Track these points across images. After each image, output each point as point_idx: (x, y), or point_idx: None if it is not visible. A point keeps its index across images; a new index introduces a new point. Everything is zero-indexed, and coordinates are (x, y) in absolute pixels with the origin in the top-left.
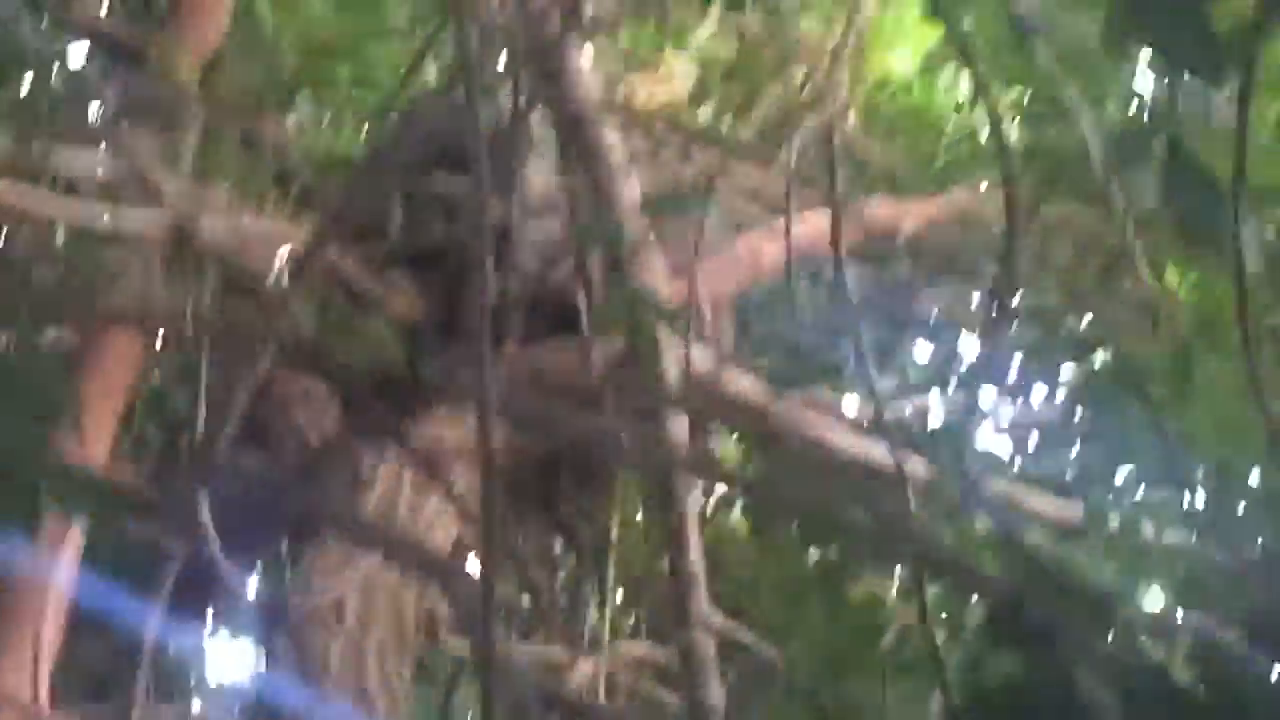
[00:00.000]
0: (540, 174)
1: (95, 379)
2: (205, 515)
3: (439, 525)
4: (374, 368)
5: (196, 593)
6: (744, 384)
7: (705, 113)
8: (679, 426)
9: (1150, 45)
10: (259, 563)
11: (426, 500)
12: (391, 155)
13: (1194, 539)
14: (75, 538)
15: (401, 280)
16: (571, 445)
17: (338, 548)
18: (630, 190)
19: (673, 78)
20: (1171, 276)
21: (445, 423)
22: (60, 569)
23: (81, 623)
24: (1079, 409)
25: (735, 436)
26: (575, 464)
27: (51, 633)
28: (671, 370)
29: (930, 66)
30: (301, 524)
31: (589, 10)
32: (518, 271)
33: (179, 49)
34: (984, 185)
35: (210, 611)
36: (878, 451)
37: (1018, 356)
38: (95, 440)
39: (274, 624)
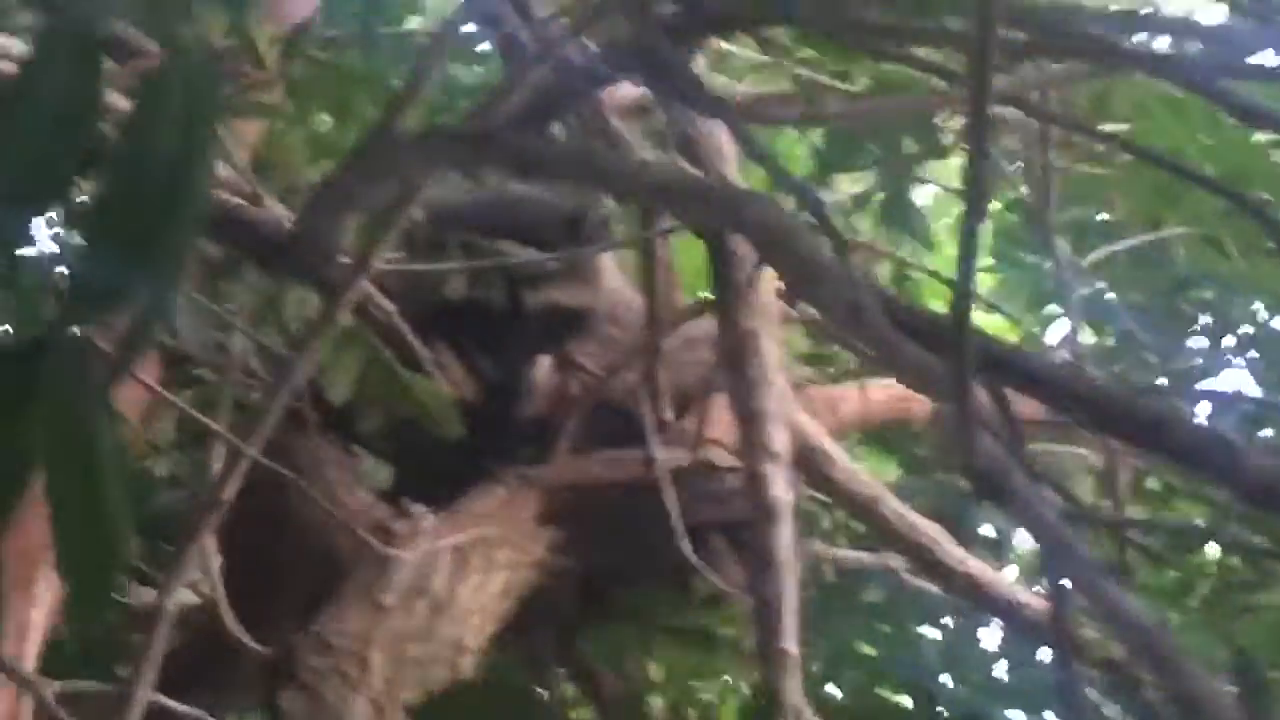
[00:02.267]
0: (614, 271)
1: None
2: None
3: (475, 611)
4: (426, 435)
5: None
6: (856, 472)
7: None
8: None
9: None
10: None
11: (463, 583)
12: (456, 211)
13: None
14: None
15: (450, 358)
16: (626, 564)
17: (362, 604)
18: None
19: None
20: None
21: (494, 507)
22: None
23: None
24: None
25: None
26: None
27: (47, 596)
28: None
29: None
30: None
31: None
32: (580, 371)
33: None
34: None
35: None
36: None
37: None
38: None
39: (283, 680)
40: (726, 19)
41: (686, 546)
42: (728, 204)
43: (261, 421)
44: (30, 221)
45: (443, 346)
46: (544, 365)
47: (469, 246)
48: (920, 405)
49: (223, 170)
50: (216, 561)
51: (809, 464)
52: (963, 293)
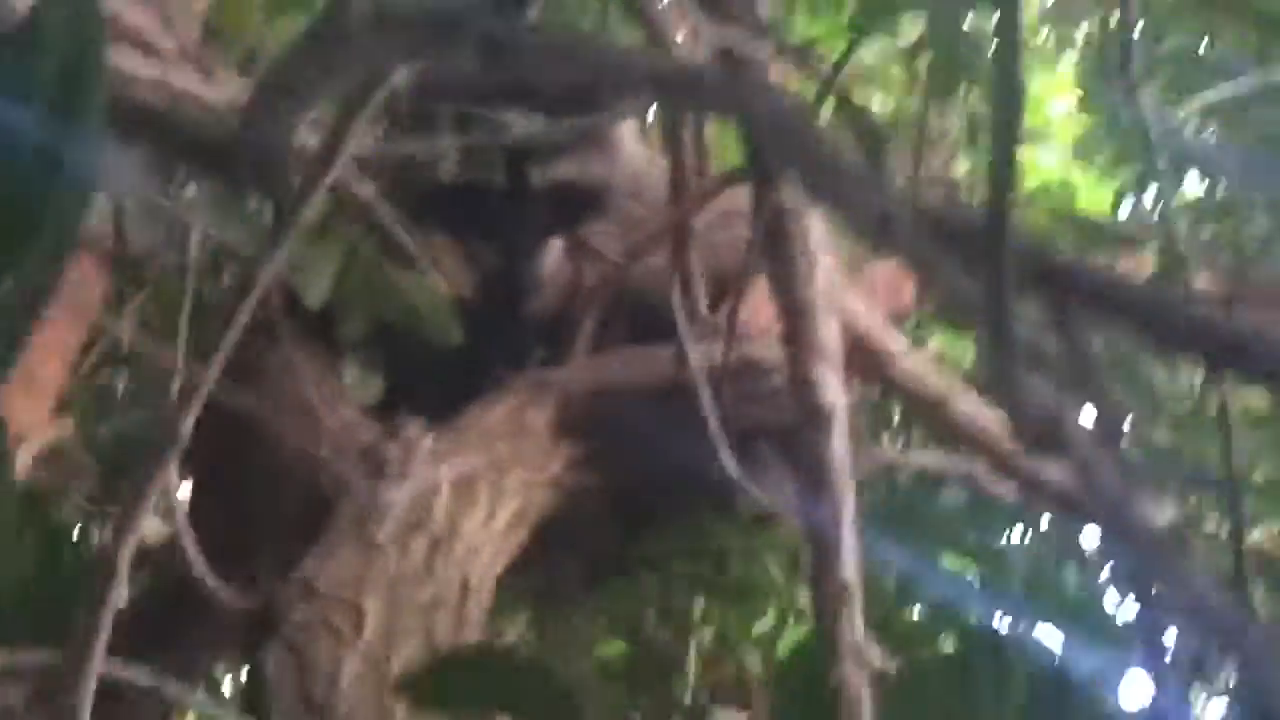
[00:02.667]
0: (631, 136)
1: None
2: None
3: (483, 546)
4: (419, 340)
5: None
6: (920, 367)
7: None
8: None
9: None
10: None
11: (467, 514)
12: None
13: None
14: None
15: (445, 249)
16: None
17: (352, 543)
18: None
19: None
20: None
21: (501, 420)
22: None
23: None
24: None
25: None
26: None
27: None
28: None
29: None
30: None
31: None
32: (597, 257)
33: None
34: None
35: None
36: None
37: None
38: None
39: (265, 633)
40: None
41: (729, 457)
42: (733, 100)
43: (225, 332)
44: None
45: (435, 236)
46: (554, 252)
47: (463, 119)
48: None
49: (170, 42)
50: (181, 496)
51: (865, 360)
52: (999, 202)
